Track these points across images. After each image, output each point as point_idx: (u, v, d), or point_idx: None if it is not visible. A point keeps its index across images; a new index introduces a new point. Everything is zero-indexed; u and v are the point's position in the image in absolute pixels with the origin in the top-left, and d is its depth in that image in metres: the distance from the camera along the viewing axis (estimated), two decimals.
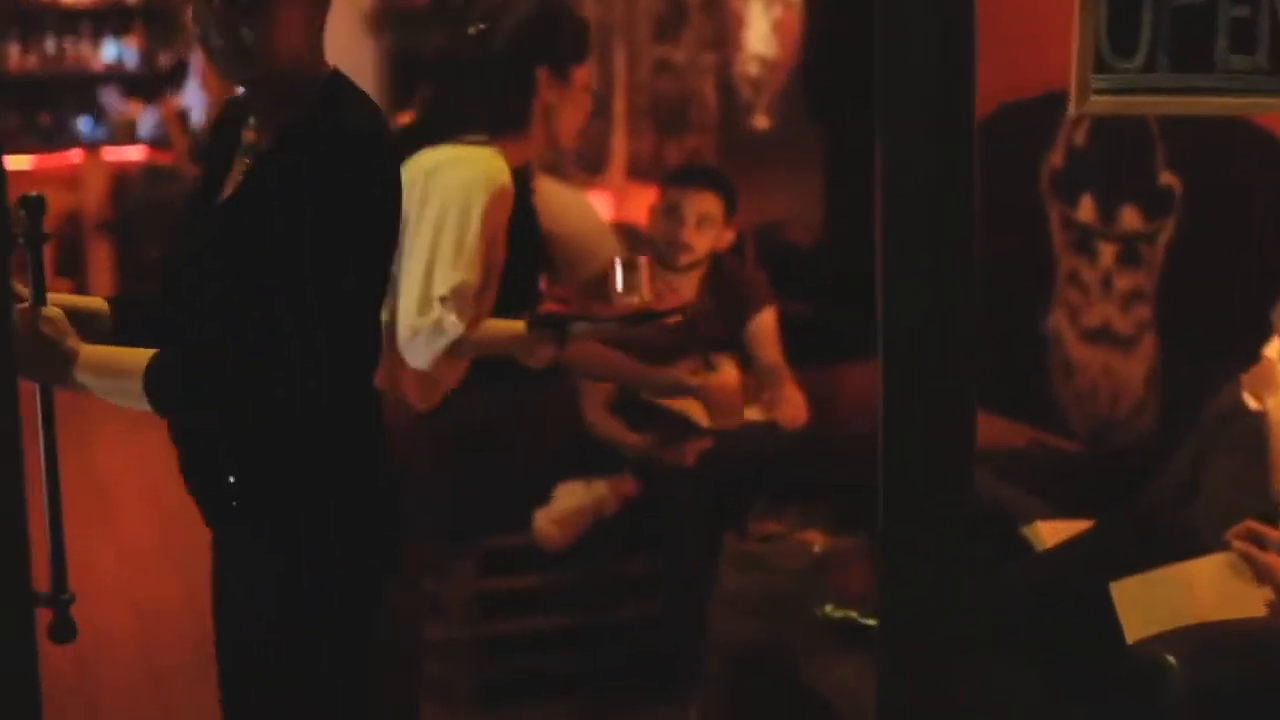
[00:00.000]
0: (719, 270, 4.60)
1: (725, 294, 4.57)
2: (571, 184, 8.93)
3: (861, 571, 3.75)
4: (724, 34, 7.44)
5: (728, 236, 4.58)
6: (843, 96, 6.09)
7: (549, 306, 3.51)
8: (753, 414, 4.21)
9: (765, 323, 4.59)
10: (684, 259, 4.51)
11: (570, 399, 4.52)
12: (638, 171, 8.57)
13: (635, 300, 3.42)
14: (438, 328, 3.39)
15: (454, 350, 3.44)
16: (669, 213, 4.58)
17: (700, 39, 7.79)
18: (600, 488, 4.28)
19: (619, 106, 8.84)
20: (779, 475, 4.15)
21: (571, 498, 4.27)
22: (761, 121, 7.03)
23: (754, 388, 4.41)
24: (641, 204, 8.65)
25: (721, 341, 4.55)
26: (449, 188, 3.45)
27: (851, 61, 6.31)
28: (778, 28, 6.86)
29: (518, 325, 3.50)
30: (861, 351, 5.39)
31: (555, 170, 9.08)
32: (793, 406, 4.28)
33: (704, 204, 4.49)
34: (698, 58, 7.82)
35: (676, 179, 4.69)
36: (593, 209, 7.19)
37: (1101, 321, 5.33)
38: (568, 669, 4.52)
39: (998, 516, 3.65)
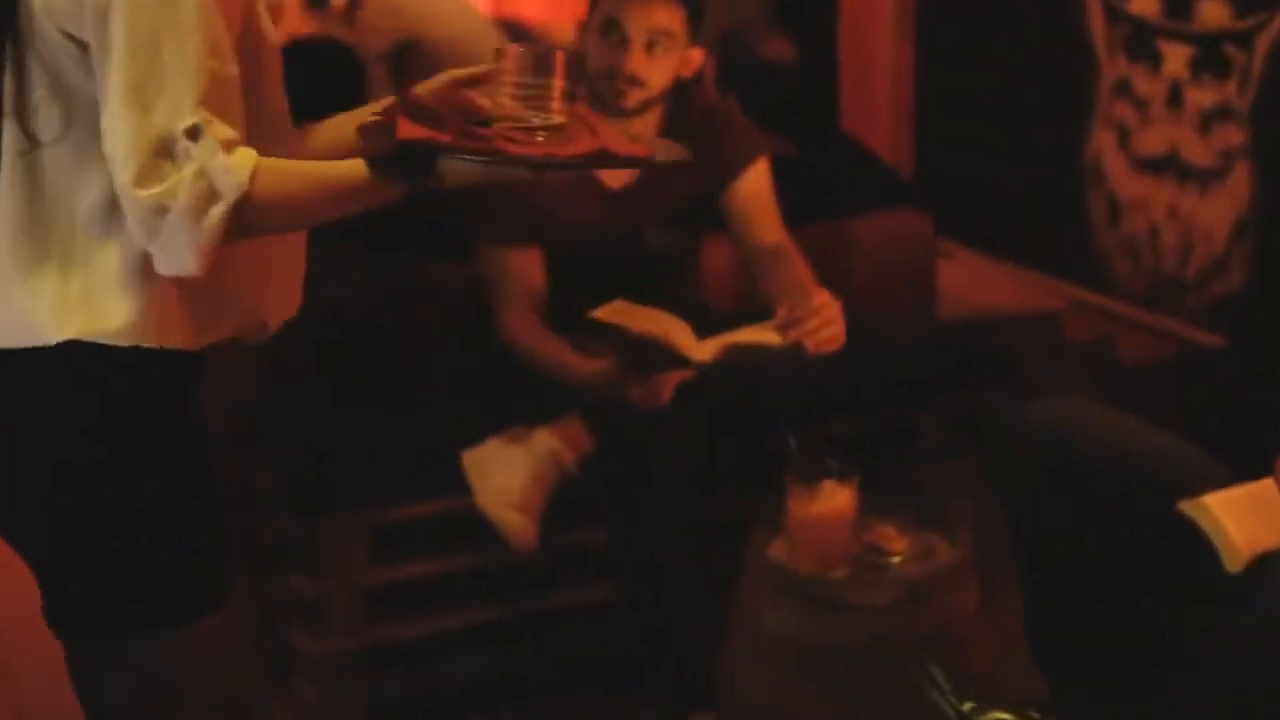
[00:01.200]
0: (685, 110, 3.20)
1: (698, 144, 3.17)
2: None
3: (968, 600, 2.47)
4: None
5: (694, 59, 3.16)
6: None
7: (411, 129, 1.88)
8: (763, 335, 2.81)
9: (757, 182, 3.18)
10: (632, 98, 3.08)
11: (476, 295, 3.17)
12: None
13: (539, 121, 1.88)
14: (199, 187, 1.73)
15: (241, 226, 1.76)
16: (606, 32, 3.10)
17: None
18: (547, 440, 2.94)
19: None
20: (803, 418, 2.83)
21: (513, 465, 2.92)
22: None
23: (771, 286, 3.01)
24: None
25: (693, 208, 3.18)
26: None
27: None
28: None
29: (351, 165, 1.88)
30: (873, 201, 4.10)
31: None
32: (825, 322, 2.81)
33: (657, 15, 3.04)
34: None
35: None
36: (472, 6, 5.77)
37: (1167, 147, 4.06)
38: (495, 676, 3.24)
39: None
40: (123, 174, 1.72)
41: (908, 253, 3.77)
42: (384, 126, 1.93)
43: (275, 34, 1.96)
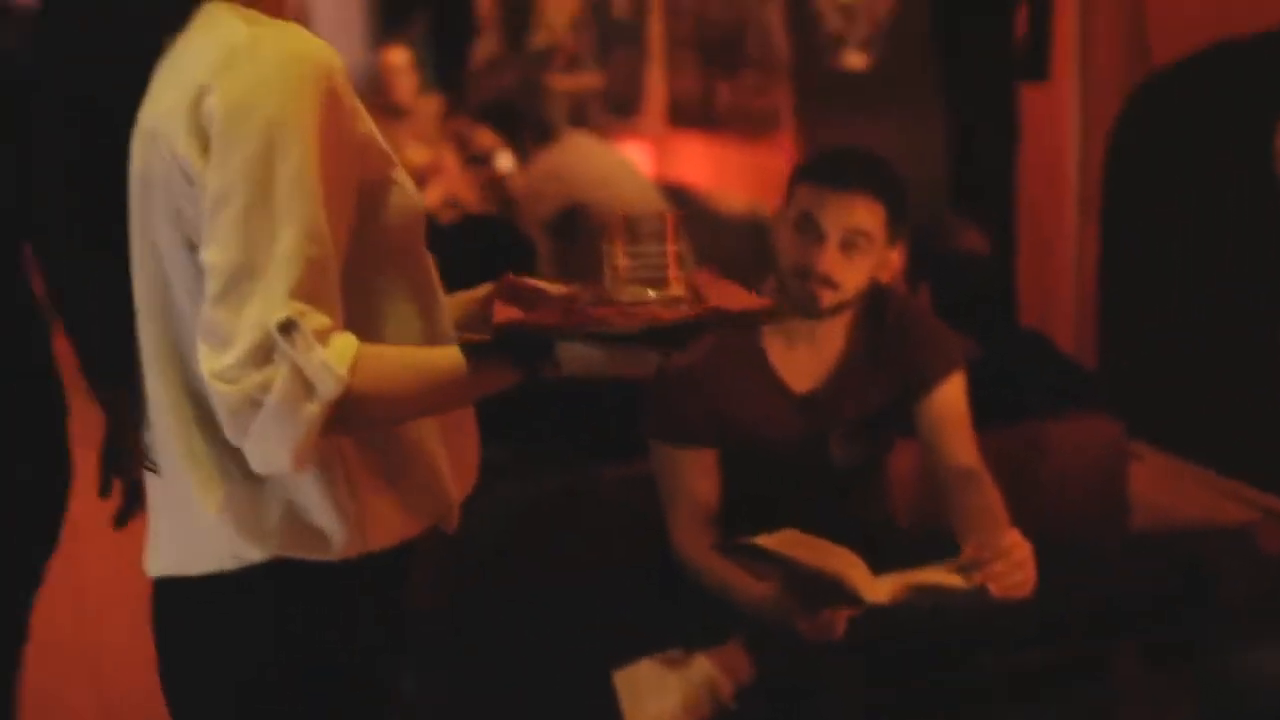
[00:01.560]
0: (880, 312, 3.01)
1: (891, 353, 2.98)
2: (600, 133, 7.43)
3: None
4: None
5: (893, 261, 2.98)
6: (985, 33, 4.53)
7: (505, 312, 1.80)
8: (945, 577, 2.58)
9: (953, 395, 2.97)
10: (826, 299, 2.87)
11: (641, 499, 2.98)
12: (681, 116, 7.01)
13: (654, 295, 1.80)
14: (294, 383, 1.62)
15: (339, 421, 1.65)
16: (800, 227, 2.88)
17: None
18: (705, 667, 2.74)
19: (654, 31, 7.28)
20: (989, 663, 2.61)
21: (666, 691, 2.72)
22: (855, 59, 5.45)
23: (958, 513, 2.79)
24: (685, 157, 7.19)
25: (879, 425, 2.97)
26: (243, 112, 1.65)
27: None
28: None
29: (455, 355, 1.76)
30: (1059, 401, 3.85)
31: (580, 118, 7.57)
32: (1015, 566, 2.54)
33: (856, 214, 2.83)
34: None
35: (811, 174, 2.91)
36: (637, 171, 5.66)
37: None
38: None
39: None
40: (212, 367, 1.61)
41: (1098, 458, 3.54)
42: (484, 315, 1.84)
43: (420, 195, 1.85)
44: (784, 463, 2.96)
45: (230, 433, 1.63)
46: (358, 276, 1.72)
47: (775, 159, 6.06)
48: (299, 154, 1.63)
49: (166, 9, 1.73)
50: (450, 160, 6.32)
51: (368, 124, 1.76)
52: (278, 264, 1.61)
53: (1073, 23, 4.60)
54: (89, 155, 1.77)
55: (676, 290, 1.79)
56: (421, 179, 6.60)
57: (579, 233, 5.13)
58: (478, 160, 5.48)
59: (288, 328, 1.59)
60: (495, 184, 5.45)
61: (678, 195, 6.54)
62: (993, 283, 3.74)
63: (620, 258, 1.80)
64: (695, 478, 2.94)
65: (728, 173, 6.55)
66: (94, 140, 1.76)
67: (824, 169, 2.94)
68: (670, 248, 1.80)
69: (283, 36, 1.69)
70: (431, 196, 6.42)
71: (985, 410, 3.26)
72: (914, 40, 4.97)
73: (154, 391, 1.77)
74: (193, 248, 1.68)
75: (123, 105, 1.74)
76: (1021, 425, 3.48)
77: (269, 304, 1.60)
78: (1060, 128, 4.70)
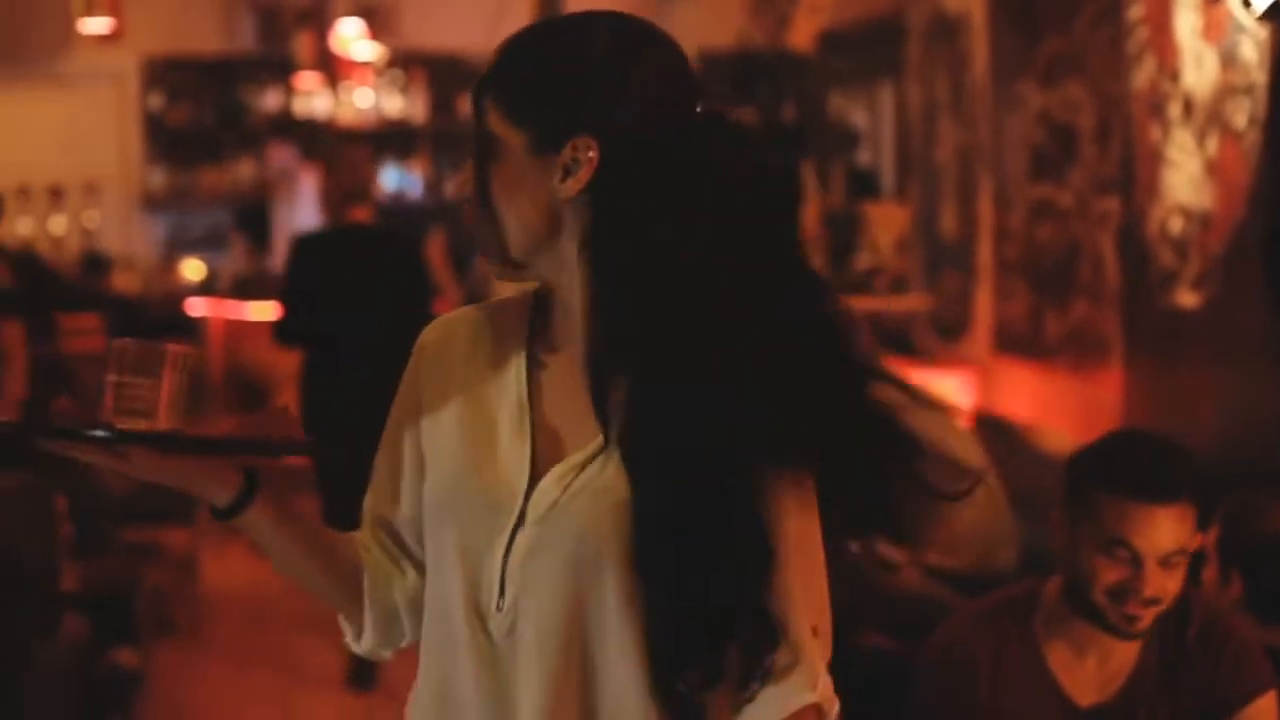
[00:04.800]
0: (1183, 626, 2.71)
1: (1191, 670, 2.68)
2: (926, 357, 7.19)
3: None
4: (1130, 174, 5.58)
5: (1193, 545, 2.71)
6: None
7: None
8: None
9: None
10: (1148, 619, 2.63)
11: None
12: (1008, 343, 6.74)
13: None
14: None
15: None
16: (1108, 550, 2.62)
17: (1095, 178, 5.94)
18: None
19: (983, 257, 7.05)
20: None
21: None
22: (1188, 298, 5.13)
23: None
24: (1010, 386, 6.90)
25: None
26: None
27: None
28: (1216, 170, 4.97)
29: None
30: None
31: (906, 341, 7.35)
32: None
33: (1176, 533, 2.60)
34: (1091, 203, 5.97)
35: (1112, 484, 2.63)
36: (949, 410, 5.38)
37: None
38: None
39: None
40: None
41: None
42: None
43: (450, 494, 1.88)
44: None
45: None
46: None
47: (1103, 394, 5.74)
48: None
49: None
50: None
51: (435, 399, 1.85)
52: None
53: None
54: None
55: (164, 425, 1.73)
56: None
57: None
58: None
59: None
60: None
61: (999, 428, 6.25)
62: None
63: (108, 389, 1.74)
64: None
65: (1052, 405, 6.24)
66: None
67: (1127, 479, 2.64)
68: (166, 383, 1.73)
69: None
70: None
71: None
72: (1250, 281, 4.63)
73: None
74: None
75: None
76: None
77: None
78: None
